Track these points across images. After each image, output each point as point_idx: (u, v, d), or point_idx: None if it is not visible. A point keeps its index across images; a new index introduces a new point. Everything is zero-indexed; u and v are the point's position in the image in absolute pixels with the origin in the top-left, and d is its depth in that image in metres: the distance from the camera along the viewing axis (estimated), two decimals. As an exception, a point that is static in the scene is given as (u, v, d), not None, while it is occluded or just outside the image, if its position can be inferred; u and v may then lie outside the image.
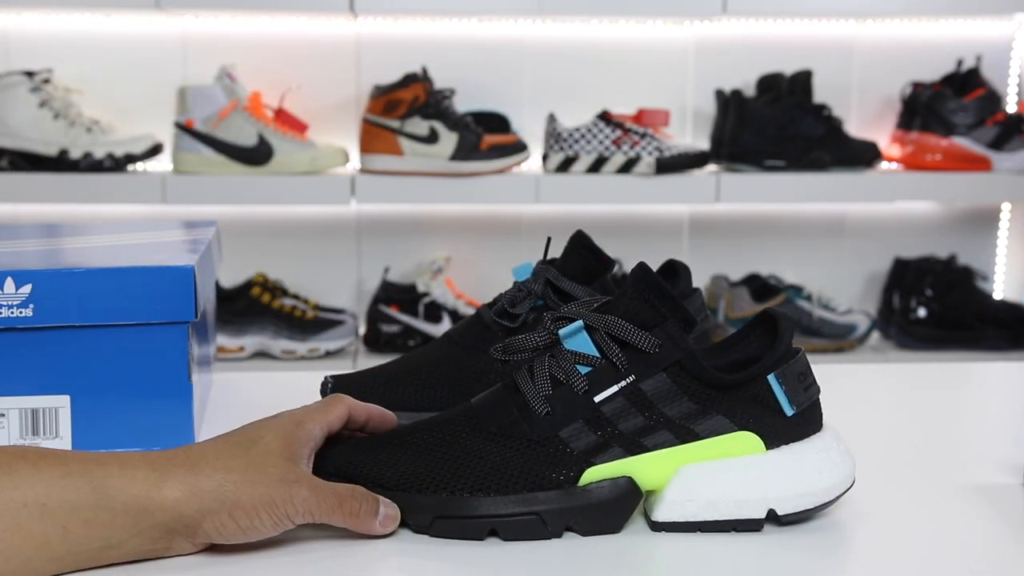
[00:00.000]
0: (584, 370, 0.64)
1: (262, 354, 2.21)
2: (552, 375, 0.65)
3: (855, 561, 0.64)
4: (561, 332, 0.65)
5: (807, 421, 0.66)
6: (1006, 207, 2.48)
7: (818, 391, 0.66)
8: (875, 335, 2.40)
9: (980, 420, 0.94)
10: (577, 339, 0.65)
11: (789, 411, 0.65)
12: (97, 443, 0.77)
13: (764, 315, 0.67)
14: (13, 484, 0.57)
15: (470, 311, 2.22)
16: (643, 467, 0.64)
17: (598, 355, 0.64)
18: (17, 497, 0.57)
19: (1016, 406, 0.98)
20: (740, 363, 0.68)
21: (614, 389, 0.64)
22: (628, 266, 2.15)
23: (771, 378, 0.64)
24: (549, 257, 0.81)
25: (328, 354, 2.21)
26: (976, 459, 0.80)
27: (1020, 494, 0.73)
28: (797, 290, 2.30)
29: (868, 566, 0.63)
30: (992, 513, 0.69)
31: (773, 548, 0.64)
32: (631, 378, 0.64)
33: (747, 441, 0.65)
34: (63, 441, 0.77)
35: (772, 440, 0.65)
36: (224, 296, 2.17)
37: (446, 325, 2.22)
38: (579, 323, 0.65)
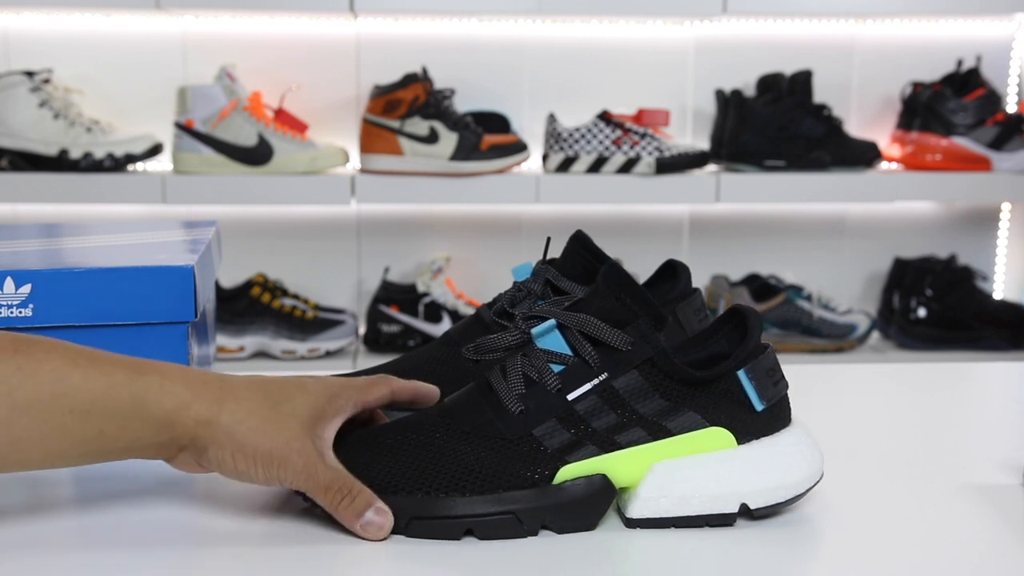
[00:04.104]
0: (557, 369, 0.64)
1: (262, 354, 2.21)
2: (525, 374, 0.65)
3: (855, 559, 0.64)
4: (534, 331, 0.65)
5: (776, 416, 0.67)
6: (1006, 207, 2.48)
7: (786, 386, 0.67)
8: (875, 335, 2.40)
9: (980, 420, 0.94)
10: (550, 338, 0.65)
11: (759, 406, 0.65)
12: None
13: (733, 311, 0.68)
14: (63, 391, 0.61)
15: (470, 311, 2.22)
16: (617, 464, 0.64)
17: (571, 354, 0.65)
18: (65, 404, 0.61)
19: (1016, 406, 0.98)
20: (709, 359, 0.68)
21: (587, 387, 0.64)
22: (628, 266, 2.15)
23: (741, 374, 0.65)
24: (549, 257, 0.81)
25: (328, 354, 2.21)
26: (976, 459, 0.80)
27: (1020, 494, 0.73)
28: (797, 290, 2.30)
29: (867, 565, 0.63)
30: (992, 513, 0.69)
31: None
32: (604, 376, 0.64)
33: (719, 437, 0.65)
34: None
35: (743, 435, 0.65)
36: (224, 296, 2.17)
37: (446, 325, 2.23)
38: (552, 322, 0.65)
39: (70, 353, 0.62)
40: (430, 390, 0.71)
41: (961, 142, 2.26)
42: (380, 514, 0.63)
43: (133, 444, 0.63)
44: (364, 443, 0.66)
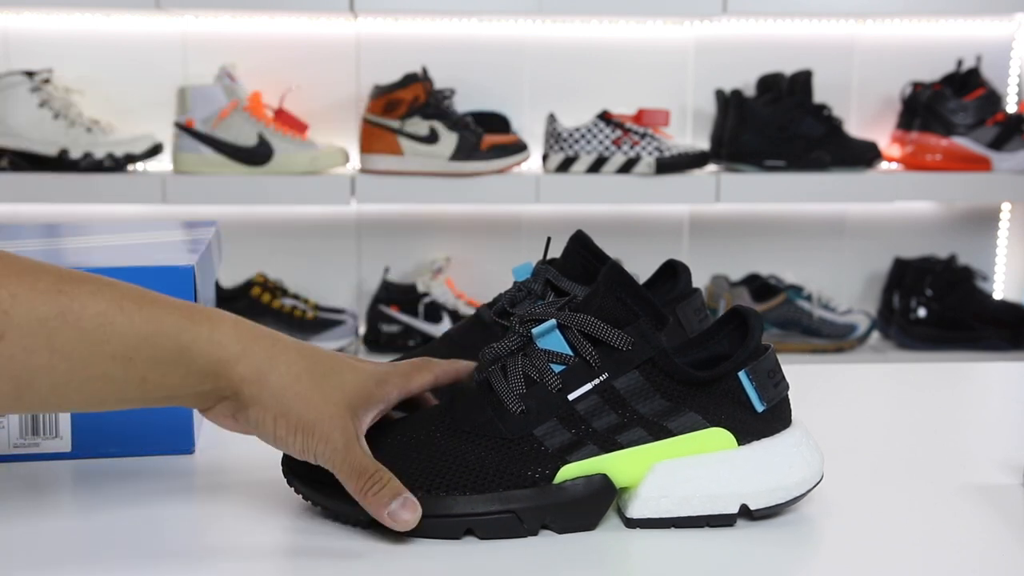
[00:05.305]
0: (558, 368, 0.64)
1: (262, 354, 2.20)
2: (526, 374, 0.65)
3: (855, 560, 0.64)
4: (535, 331, 0.66)
5: (777, 417, 0.67)
6: (1006, 207, 2.48)
7: (787, 387, 0.67)
8: (875, 335, 2.40)
9: (980, 420, 0.94)
10: (550, 338, 0.65)
11: (759, 407, 0.65)
12: (97, 443, 0.77)
13: (734, 312, 0.68)
14: (106, 337, 0.59)
15: (470, 311, 2.22)
16: (617, 464, 0.65)
17: (571, 354, 0.65)
18: (108, 350, 0.59)
19: (1016, 406, 0.98)
20: (710, 360, 0.68)
21: (588, 387, 0.64)
22: (628, 266, 2.15)
23: (742, 375, 0.65)
24: (549, 257, 0.81)
25: (328, 354, 2.21)
26: (976, 459, 0.80)
27: (1020, 494, 0.73)
28: (797, 290, 2.30)
29: (867, 565, 0.63)
30: (992, 513, 0.69)
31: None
32: (604, 376, 0.64)
33: (719, 437, 0.65)
34: (63, 441, 0.77)
35: (743, 436, 0.65)
36: (224, 296, 2.17)
37: (446, 325, 2.22)
38: (552, 322, 0.65)
39: (117, 295, 0.60)
40: (469, 368, 0.71)
41: (961, 142, 2.26)
42: (408, 505, 0.62)
43: (175, 393, 0.62)
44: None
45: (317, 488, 0.65)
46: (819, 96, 2.31)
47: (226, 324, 0.62)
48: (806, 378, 0.95)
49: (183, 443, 0.78)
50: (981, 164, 2.25)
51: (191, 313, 0.62)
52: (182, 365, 0.61)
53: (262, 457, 0.76)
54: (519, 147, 2.15)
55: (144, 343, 0.60)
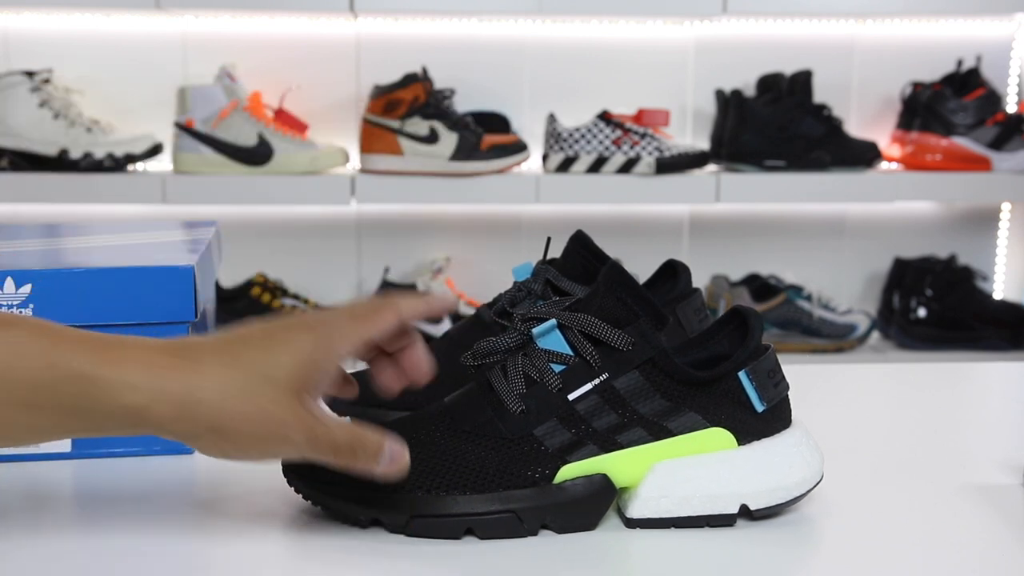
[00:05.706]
0: (558, 368, 0.65)
1: (262, 354, 2.20)
2: (526, 374, 0.65)
3: (855, 560, 0.64)
4: (535, 331, 0.66)
5: (777, 417, 0.67)
6: (1006, 207, 2.48)
7: (787, 387, 0.67)
8: (875, 335, 2.40)
9: (980, 420, 0.94)
10: (550, 338, 0.65)
11: (760, 407, 0.65)
12: (97, 443, 0.77)
13: (734, 312, 0.68)
14: (7, 386, 0.56)
15: (470, 311, 2.22)
16: (617, 464, 0.65)
17: (571, 353, 0.65)
18: (12, 399, 0.56)
19: (1016, 406, 0.98)
20: (710, 360, 0.68)
21: (588, 387, 0.64)
22: (628, 266, 2.15)
23: (742, 375, 0.65)
24: (549, 257, 0.81)
25: (328, 354, 2.21)
26: (976, 459, 0.80)
27: (1020, 494, 0.73)
28: (797, 290, 2.30)
29: (867, 565, 0.63)
30: (992, 513, 0.69)
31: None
32: (604, 376, 0.64)
33: (719, 437, 0.65)
34: (63, 441, 0.77)
35: (744, 436, 0.66)
36: (224, 296, 2.17)
37: (446, 325, 2.22)
38: (552, 322, 0.65)
39: (19, 340, 0.57)
40: (444, 302, 0.65)
41: (961, 142, 2.26)
42: (395, 455, 0.60)
43: (103, 430, 0.58)
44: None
45: (317, 488, 0.65)
46: (819, 96, 2.31)
47: (134, 364, 0.57)
48: (806, 378, 0.95)
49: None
50: (981, 164, 2.25)
51: (99, 352, 0.57)
52: (95, 412, 0.57)
53: (262, 457, 0.76)
54: (519, 147, 2.15)
55: (47, 392, 0.56)
